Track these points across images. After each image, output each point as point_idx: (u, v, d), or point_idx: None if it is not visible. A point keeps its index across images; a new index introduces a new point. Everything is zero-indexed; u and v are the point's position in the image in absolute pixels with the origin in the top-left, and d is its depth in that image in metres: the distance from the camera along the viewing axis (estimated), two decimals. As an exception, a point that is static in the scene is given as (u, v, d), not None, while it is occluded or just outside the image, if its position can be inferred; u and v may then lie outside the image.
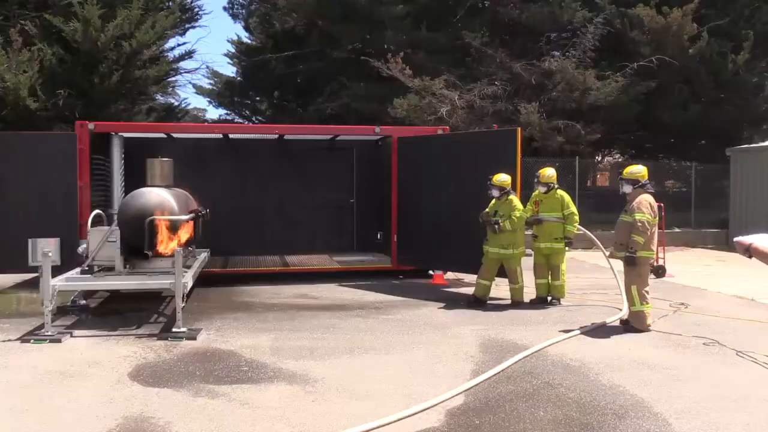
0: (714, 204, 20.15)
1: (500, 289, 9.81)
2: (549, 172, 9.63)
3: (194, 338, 7.34)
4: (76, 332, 7.62)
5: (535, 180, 9.73)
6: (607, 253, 9.72)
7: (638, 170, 8.25)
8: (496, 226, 9.18)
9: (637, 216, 7.86)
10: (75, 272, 8.47)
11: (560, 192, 9.65)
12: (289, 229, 13.58)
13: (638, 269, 7.96)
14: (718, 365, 6.52)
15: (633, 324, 7.97)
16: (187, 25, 23.28)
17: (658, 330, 7.96)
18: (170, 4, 20.66)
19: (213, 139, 13.04)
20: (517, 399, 5.47)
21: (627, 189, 8.24)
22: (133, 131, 12.59)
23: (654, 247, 8.32)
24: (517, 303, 9.47)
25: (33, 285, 9.17)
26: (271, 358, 6.64)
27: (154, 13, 18.77)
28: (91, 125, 10.94)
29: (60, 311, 8.44)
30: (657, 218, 8.18)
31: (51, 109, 16.81)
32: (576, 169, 19.02)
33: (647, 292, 8.02)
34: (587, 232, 10.91)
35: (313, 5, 22.84)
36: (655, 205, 8.12)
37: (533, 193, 9.81)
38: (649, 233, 7.90)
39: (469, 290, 10.01)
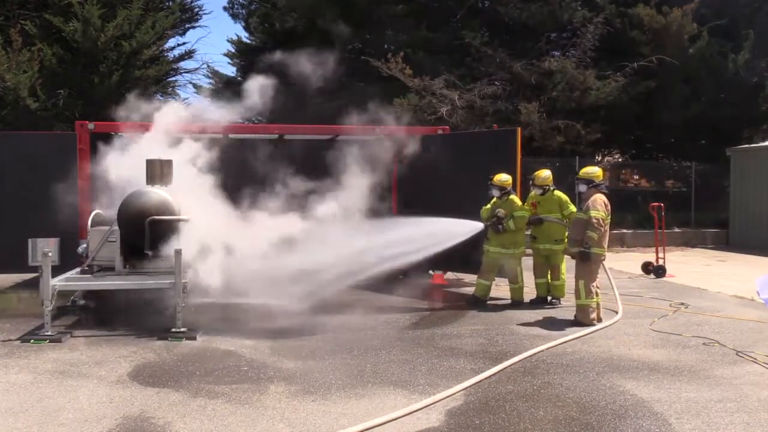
0: (714, 204, 20.14)
1: (500, 289, 9.81)
2: (544, 175, 9.56)
3: (194, 338, 7.35)
4: (76, 332, 7.62)
5: (530, 183, 9.70)
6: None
7: (593, 171, 8.67)
8: (500, 226, 9.18)
9: (592, 213, 8.20)
10: (75, 272, 8.47)
11: (557, 193, 9.60)
12: None
13: (590, 265, 8.25)
14: (718, 365, 6.53)
15: (578, 317, 8.26)
16: (187, 25, 23.26)
17: (658, 330, 7.97)
18: (170, 4, 20.65)
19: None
20: (517, 399, 5.48)
21: (582, 188, 8.60)
22: None
23: (606, 245, 8.54)
24: (517, 303, 9.47)
25: (33, 285, 9.16)
26: (271, 358, 6.64)
27: (154, 13, 18.76)
28: (91, 125, 10.93)
29: (60, 311, 8.45)
30: (609, 216, 8.43)
31: (51, 109, 16.79)
32: (576, 169, 18.96)
33: (594, 287, 8.27)
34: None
35: (313, 5, 22.82)
36: (608, 204, 8.41)
37: (529, 195, 9.77)
38: (602, 230, 8.21)
39: (469, 290, 10.01)
